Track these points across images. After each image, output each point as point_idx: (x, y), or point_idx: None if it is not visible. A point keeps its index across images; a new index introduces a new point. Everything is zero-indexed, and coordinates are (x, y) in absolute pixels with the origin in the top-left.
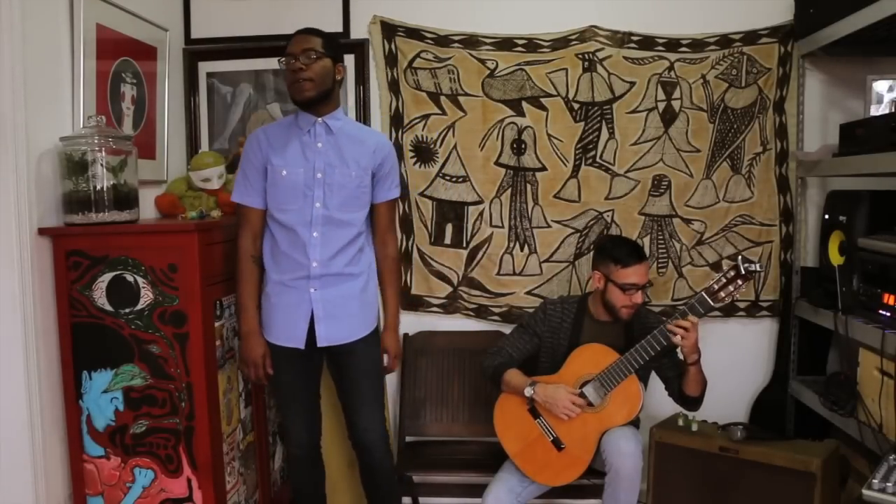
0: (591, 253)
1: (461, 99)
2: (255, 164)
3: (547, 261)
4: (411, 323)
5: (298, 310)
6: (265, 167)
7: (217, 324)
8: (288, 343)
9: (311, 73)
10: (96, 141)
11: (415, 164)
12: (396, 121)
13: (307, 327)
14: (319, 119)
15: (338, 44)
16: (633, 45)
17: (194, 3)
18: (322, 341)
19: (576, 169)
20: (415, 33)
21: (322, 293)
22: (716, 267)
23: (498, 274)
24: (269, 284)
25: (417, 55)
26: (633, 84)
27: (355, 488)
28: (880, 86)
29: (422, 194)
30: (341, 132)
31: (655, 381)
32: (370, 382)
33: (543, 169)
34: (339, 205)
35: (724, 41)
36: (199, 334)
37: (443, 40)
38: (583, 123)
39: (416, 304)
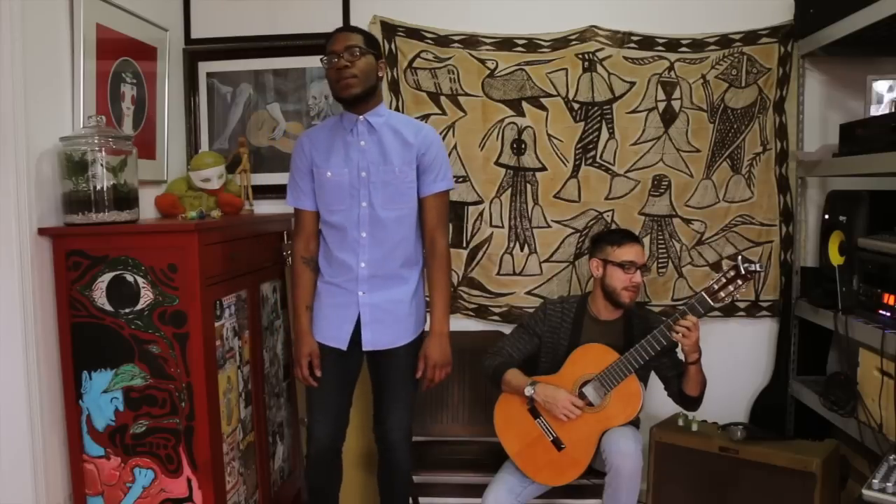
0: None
1: (461, 99)
2: (302, 169)
3: (547, 261)
4: None
5: (346, 312)
6: (311, 170)
7: (217, 324)
8: (330, 343)
9: (356, 69)
10: (96, 141)
11: None
12: None
13: (352, 330)
14: (361, 117)
15: (377, 41)
16: (633, 45)
17: (194, 3)
18: (367, 345)
19: (576, 169)
20: (415, 33)
21: (370, 297)
22: (716, 267)
23: (498, 274)
24: (321, 284)
25: (417, 55)
26: (633, 84)
27: (364, 489)
28: (880, 86)
29: None
30: (384, 128)
31: (655, 380)
32: (406, 386)
33: (543, 169)
34: (384, 202)
35: (724, 41)
36: (198, 334)
37: (443, 40)
38: (583, 123)
39: None
